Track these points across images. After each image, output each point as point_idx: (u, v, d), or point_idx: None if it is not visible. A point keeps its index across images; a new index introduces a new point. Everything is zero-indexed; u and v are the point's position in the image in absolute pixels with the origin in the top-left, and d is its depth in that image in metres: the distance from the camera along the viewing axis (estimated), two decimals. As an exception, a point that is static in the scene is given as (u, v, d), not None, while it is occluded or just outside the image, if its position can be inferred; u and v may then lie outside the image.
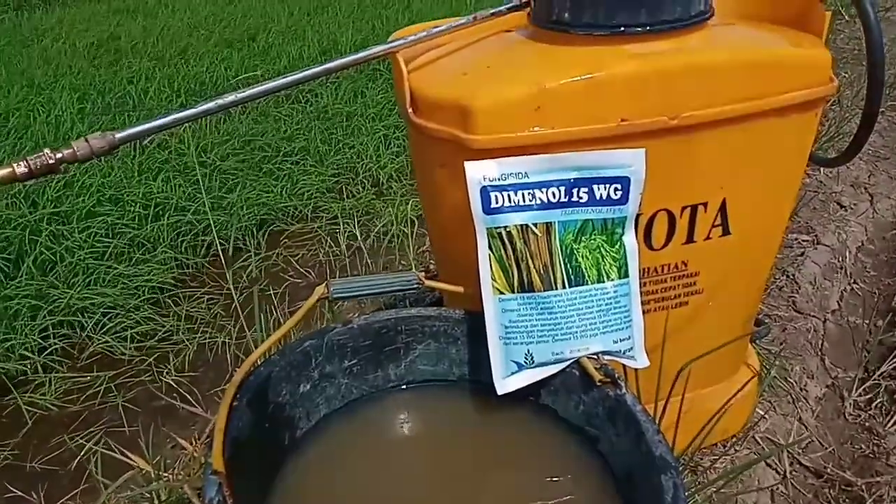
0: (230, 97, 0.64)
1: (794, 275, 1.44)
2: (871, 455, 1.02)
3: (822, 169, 1.88)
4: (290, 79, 0.67)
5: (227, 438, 0.55)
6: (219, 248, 1.68)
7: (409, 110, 0.74)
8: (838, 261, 1.52)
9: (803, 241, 1.58)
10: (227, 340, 1.39)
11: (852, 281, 1.46)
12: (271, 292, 1.52)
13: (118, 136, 0.60)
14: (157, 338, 1.41)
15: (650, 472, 0.55)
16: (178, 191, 1.81)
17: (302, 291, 1.55)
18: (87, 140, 0.58)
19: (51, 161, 0.57)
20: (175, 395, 1.27)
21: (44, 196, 1.66)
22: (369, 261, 1.64)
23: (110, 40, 3.17)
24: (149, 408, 1.26)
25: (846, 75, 2.43)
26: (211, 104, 0.64)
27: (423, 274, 0.72)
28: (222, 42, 3.05)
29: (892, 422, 1.06)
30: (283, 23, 3.35)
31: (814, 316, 1.34)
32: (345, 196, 1.96)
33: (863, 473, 0.99)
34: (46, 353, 1.35)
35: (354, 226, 1.76)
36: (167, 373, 1.33)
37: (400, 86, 0.75)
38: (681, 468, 0.95)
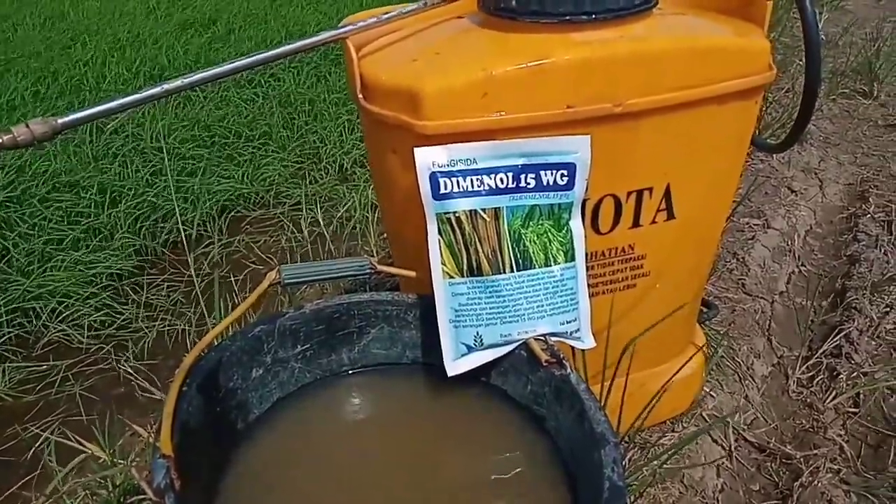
0: (176, 82, 0.64)
1: (744, 258, 1.49)
2: (810, 430, 1.07)
3: (774, 155, 1.93)
4: (235, 64, 0.66)
5: (176, 423, 0.56)
6: (180, 234, 1.67)
7: (360, 96, 0.74)
8: (787, 244, 1.57)
9: (754, 224, 1.62)
10: (186, 328, 1.38)
11: (800, 263, 1.51)
12: (232, 279, 1.51)
13: (61, 121, 0.59)
14: (115, 326, 1.40)
15: (591, 448, 0.57)
16: (136, 176, 1.78)
17: (263, 278, 1.54)
18: (27, 125, 0.58)
19: (-10, 146, 0.56)
20: (134, 383, 1.26)
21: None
22: (332, 247, 1.64)
23: (64, 21, 3.08)
24: (107, 396, 1.25)
25: (801, 63, 2.49)
26: (157, 89, 0.63)
27: (375, 259, 0.73)
28: (181, 25, 2.98)
29: (830, 398, 1.11)
30: (245, 6, 3.29)
31: (762, 297, 1.39)
32: (308, 182, 1.95)
33: (802, 447, 1.03)
34: (0, 341, 1.33)
35: (317, 212, 1.75)
36: (126, 361, 1.31)
37: (351, 71, 0.75)
38: (628, 445, 0.98)
